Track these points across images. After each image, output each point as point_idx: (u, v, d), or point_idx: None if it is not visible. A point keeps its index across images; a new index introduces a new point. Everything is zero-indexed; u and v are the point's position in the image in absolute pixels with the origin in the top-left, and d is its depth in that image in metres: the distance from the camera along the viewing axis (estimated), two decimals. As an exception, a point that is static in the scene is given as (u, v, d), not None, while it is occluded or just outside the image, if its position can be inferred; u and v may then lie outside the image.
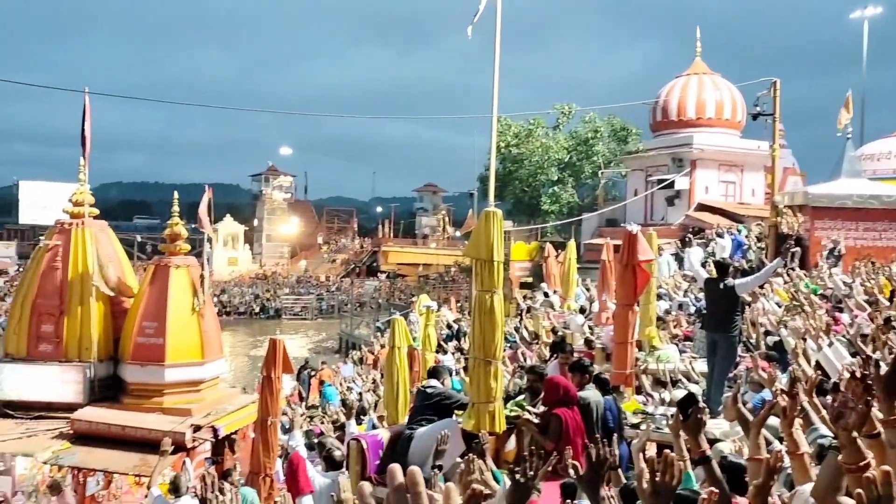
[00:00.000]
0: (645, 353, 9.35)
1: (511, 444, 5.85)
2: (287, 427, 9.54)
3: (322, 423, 12.24)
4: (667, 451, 2.18)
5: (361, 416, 10.36)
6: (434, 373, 6.57)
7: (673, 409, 5.04)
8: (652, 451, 5.34)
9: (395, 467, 1.08)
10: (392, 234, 64.96)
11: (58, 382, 9.34)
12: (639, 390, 8.28)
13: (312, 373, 19.60)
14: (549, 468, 2.82)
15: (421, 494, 1.00)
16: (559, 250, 19.90)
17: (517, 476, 2.03)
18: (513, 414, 5.77)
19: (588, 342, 10.29)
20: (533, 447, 4.17)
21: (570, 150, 30.99)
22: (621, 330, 8.20)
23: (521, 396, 6.37)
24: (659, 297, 12.11)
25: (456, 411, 5.81)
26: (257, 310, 45.60)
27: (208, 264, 11.60)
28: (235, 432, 9.62)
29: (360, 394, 13.34)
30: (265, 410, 7.19)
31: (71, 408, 9.10)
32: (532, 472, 2.01)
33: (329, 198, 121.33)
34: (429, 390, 5.97)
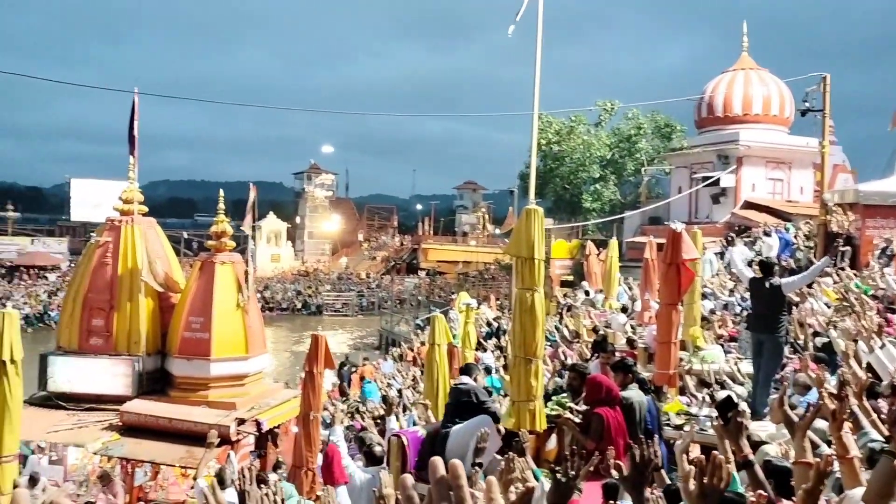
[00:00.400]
0: (689, 353, 9.20)
1: (552, 443, 5.82)
2: (328, 422, 9.66)
3: (363, 419, 12.34)
4: (714, 452, 2.14)
5: (403, 412, 10.41)
6: (466, 370, 6.57)
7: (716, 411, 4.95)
8: (695, 452, 5.26)
9: (437, 460, 1.09)
10: (432, 232, 65.09)
11: (108, 375, 9.60)
12: (682, 391, 8.15)
13: (353, 369, 19.77)
14: (591, 468, 2.79)
15: (463, 488, 1.00)
16: (601, 248, 19.71)
17: (558, 475, 2.02)
18: (553, 413, 5.74)
19: (630, 341, 10.17)
20: (574, 447, 4.14)
21: (612, 147, 30.64)
22: (665, 329, 8.06)
23: (563, 395, 6.33)
24: (704, 296, 11.90)
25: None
26: (299, 306, 46.20)
27: (252, 261, 11.78)
28: (278, 426, 9.78)
29: (400, 390, 13.40)
30: (307, 405, 7.29)
31: (120, 400, 9.35)
32: (574, 472, 2.00)
33: (370, 195, 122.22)
34: (460, 387, 5.98)
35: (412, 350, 20.66)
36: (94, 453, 8.94)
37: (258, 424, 9.08)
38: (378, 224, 73.16)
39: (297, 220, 66.19)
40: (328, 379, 14.03)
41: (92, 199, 49.14)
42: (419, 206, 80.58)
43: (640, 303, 12.33)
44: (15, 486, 6.28)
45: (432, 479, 1.03)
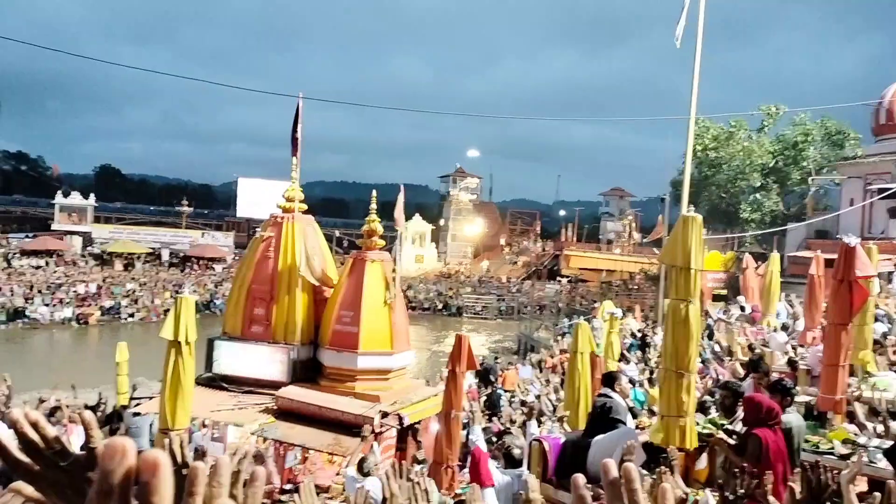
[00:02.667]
0: (858, 378, 8.43)
1: (702, 462, 5.52)
2: (465, 421, 9.75)
3: (501, 422, 12.36)
4: (890, 482, 1.92)
5: (540, 419, 10.31)
6: (608, 380, 6.38)
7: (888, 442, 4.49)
8: (862, 486, 4.82)
9: (578, 477, 1.05)
10: (575, 239, 64.08)
11: (266, 361, 10.23)
12: (850, 418, 7.47)
13: (500, 373, 19.82)
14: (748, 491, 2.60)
15: (638, 492, 0.95)
16: (759, 262, 18.52)
17: (726, 493, 1.89)
18: (706, 431, 5.44)
19: (791, 362, 9.46)
20: (728, 467, 3.89)
21: (775, 155, 28.76)
22: (832, 351, 7.43)
23: (715, 414, 5.99)
24: (876, 318, 10.85)
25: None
26: (440, 306, 47.11)
27: (398, 260, 12.13)
28: (419, 422, 9.98)
29: (538, 396, 13.29)
30: (449, 404, 7.38)
31: (275, 385, 9.93)
32: (742, 490, 1.87)
33: (513, 200, 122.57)
34: (598, 399, 5.82)
35: (552, 357, 20.44)
36: (252, 433, 9.55)
37: (400, 418, 9.31)
38: (520, 229, 73.06)
39: (442, 222, 67.53)
40: (468, 379, 14.17)
41: (256, 197, 52.88)
42: (562, 212, 79.67)
43: (804, 321, 11.45)
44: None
45: (605, 481, 0.98)
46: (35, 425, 0.88)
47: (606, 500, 1.01)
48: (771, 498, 3.85)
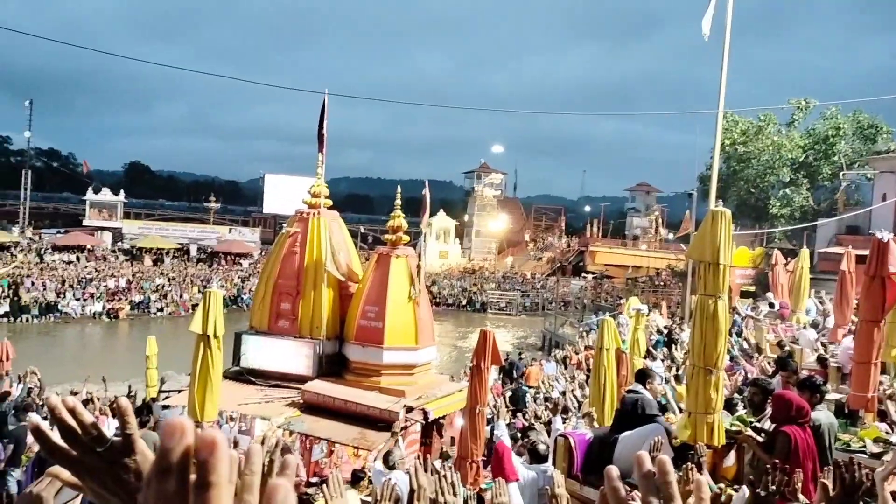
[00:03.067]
0: (890, 376, 8.29)
1: (730, 460, 5.46)
2: (489, 417, 9.75)
3: (525, 419, 12.34)
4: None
5: (565, 415, 10.28)
6: (641, 376, 6.34)
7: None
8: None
9: (611, 469, 1.05)
10: (600, 234, 63.73)
11: (292, 355, 10.32)
12: (881, 416, 7.35)
13: (523, 369, 19.82)
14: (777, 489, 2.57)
15: (672, 484, 0.95)
16: (788, 258, 18.26)
17: (758, 490, 1.87)
18: (734, 428, 5.38)
19: (821, 360, 9.32)
20: (754, 465, 3.84)
21: (805, 149, 28.27)
22: (864, 349, 7.30)
23: (743, 411, 5.92)
24: (910, 315, 10.64)
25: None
26: (464, 302, 47.14)
27: (423, 256, 12.16)
28: (443, 417, 10.01)
29: (563, 392, 13.24)
30: (474, 399, 7.39)
31: (301, 379, 10.00)
32: (774, 487, 1.84)
33: (537, 195, 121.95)
34: (628, 396, 5.79)
35: (577, 353, 20.36)
36: (278, 427, 9.63)
37: (425, 413, 9.33)
38: (545, 225, 72.83)
39: (466, 218, 67.52)
40: (492, 375, 14.15)
41: (282, 193, 53.31)
42: (588, 208, 79.22)
43: (834, 318, 11.26)
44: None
45: (637, 474, 0.98)
46: (72, 412, 0.90)
47: (640, 492, 1.01)
48: (801, 496, 3.80)
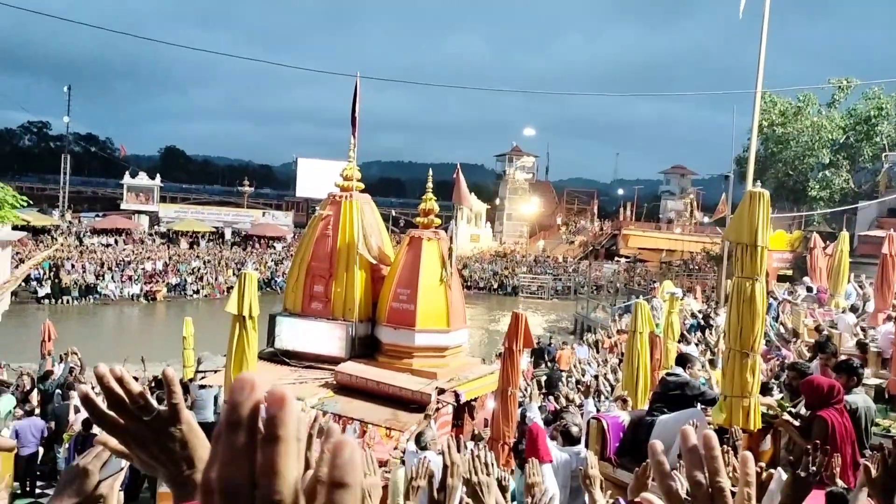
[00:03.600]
0: (934, 362, 8.06)
1: (766, 444, 5.40)
2: (521, 400, 9.76)
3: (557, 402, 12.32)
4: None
5: (598, 399, 10.25)
6: (681, 360, 6.28)
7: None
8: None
9: (655, 443, 1.03)
10: (633, 218, 63.00)
11: (325, 337, 10.44)
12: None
13: (555, 353, 19.78)
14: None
15: (717, 459, 0.94)
16: (827, 241, 17.88)
17: (799, 471, 1.84)
18: (770, 413, 5.31)
19: (861, 345, 9.12)
20: (790, 449, 3.78)
21: (846, 130, 27.54)
22: (906, 333, 7.14)
23: (780, 395, 5.84)
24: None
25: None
26: (495, 286, 47.11)
27: (454, 239, 12.16)
28: (475, 399, 10.05)
29: (596, 377, 13.19)
30: (506, 381, 7.40)
31: (335, 361, 10.13)
32: (815, 468, 1.81)
33: (569, 179, 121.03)
34: (671, 379, 5.73)
35: (609, 337, 20.24)
36: (312, 407, 9.77)
37: (457, 395, 9.39)
38: (577, 208, 72.23)
39: (497, 201, 67.26)
40: (524, 358, 14.15)
41: (315, 177, 53.63)
42: (621, 191, 78.35)
43: (874, 302, 11.01)
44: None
45: (683, 448, 0.96)
46: (120, 381, 0.92)
47: (685, 467, 1.00)
48: (839, 480, 3.74)
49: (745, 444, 4.93)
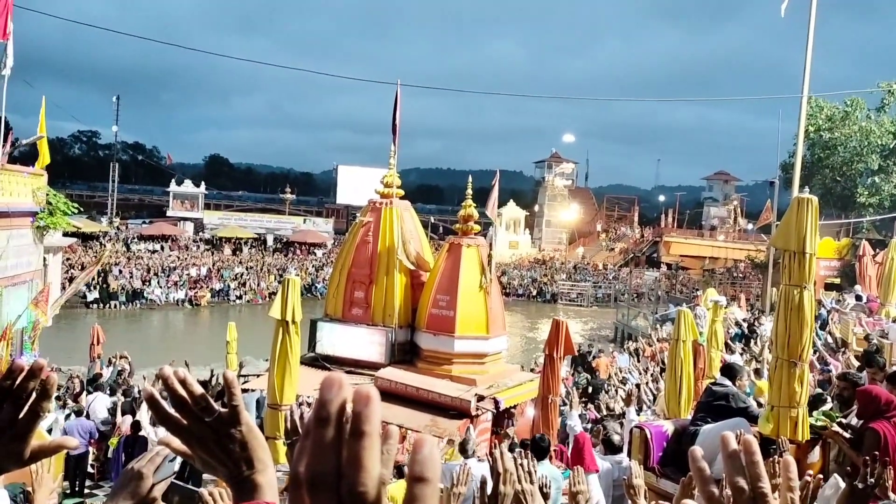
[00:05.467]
0: None
1: (814, 455, 5.27)
2: (561, 407, 9.69)
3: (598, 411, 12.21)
4: None
5: (639, 407, 10.12)
6: (728, 371, 6.16)
7: None
8: None
9: (696, 450, 1.03)
10: (675, 225, 62.11)
11: (366, 343, 10.52)
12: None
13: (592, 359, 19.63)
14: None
15: (759, 464, 0.94)
16: (877, 249, 17.38)
17: (857, 482, 1.80)
18: (819, 423, 5.18)
19: (914, 355, 8.84)
20: (840, 461, 3.69)
21: (896, 135, 26.75)
22: (963, 344, 6.90)
23: (829, 406, 5.69)
24: None
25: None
26: (534, 293, 46.86)
27: (493, 246, 12.16)
28: (514, 406, 10.00)
29: (637, 385, 13.01)
30: (546, 388, 7.36)
31: (374, 366, 10.19)
32: (873, 479, 1.77)
33: (609, 185, 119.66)
34: (716, 388, 5.64)
35: (650, 345, 19.97)
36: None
37: (496, 402, 9.36)
38: (617, 215, 71.51)
39: (536, 208, 66.96)
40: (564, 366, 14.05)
41: (354, 184, 54.17)
42: (662, 198, 77.34)
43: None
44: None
45: (724, 453, 0.96)
46: (183, 383, 0.96)
47: (726, 473, 0.99)
48: (891, 493, 3.63)
49: (792, 455, 4.82)
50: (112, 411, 11.32)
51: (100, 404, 11.63)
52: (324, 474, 0.55)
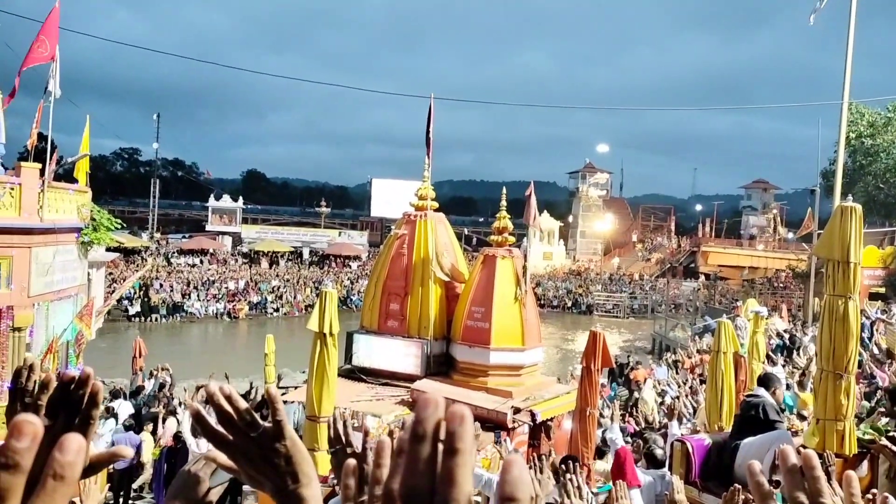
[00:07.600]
0: None
1: (862, 470, 5.12)
2: (600, 419, 9.57)
3: (636, 421, 12.04)
4: None
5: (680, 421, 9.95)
6: (764, 381, 6.05)
7: None
8: None
9: (754, 464, 1.02)
10: (713, 234, 61.18)
11: (401, 355, 10.56)
12: None
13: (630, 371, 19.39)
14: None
15: (820, 479, 0.92)
16: (924, 257, 16.90)
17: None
18: (867, 437, 5.04)
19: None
20: (891, 476, 3.59)
21: (942, 140, 26.04)
22: None
23: (884, 421, 5.54)
24: None
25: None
26: (569, 304, 46.52)
27: (527, 257, 12.13)
28: (551, 419, 9.92)
29: (677, 398, 12.80)
30: (584, 401, 7.29)
31: (410, 378, 10.22)
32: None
33: (645, 195, 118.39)
34: (750, 399, 5.53)
35: (689, 357, 19.65)
36: (388, 424, 9.86)
37: (532, 415, 9.30)
38: (653, 224, 70.73)
39: (570, 218, 66.58)
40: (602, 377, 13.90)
41: (388, 197, 54.57)
42: (699, 207, 76.30)
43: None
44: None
45: (783, 467, 0.95)
46: (229, 398, 0.98)
47: (786, 487, 0.98)
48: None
49: (839, 470, 4.70)
50: (134, 416, 11.67)
51: (123, 410, 12.03)
52: (418, 490, 0.57)
